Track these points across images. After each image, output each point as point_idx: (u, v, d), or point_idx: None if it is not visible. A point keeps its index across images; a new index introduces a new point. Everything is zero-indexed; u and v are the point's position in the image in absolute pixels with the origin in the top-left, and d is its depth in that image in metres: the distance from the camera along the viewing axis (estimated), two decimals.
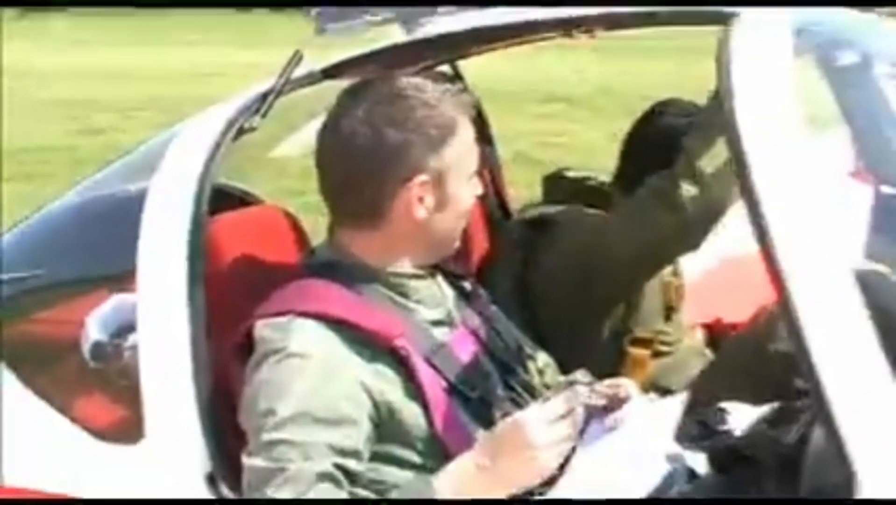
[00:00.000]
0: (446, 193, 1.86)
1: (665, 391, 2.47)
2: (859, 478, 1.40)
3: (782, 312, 1.45)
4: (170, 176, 2.01)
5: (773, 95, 1.60)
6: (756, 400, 2.02)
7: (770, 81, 1.61)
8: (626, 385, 1.86)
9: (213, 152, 1.98)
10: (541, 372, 2.10)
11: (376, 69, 2.23)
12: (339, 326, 1.77)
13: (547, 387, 2.08)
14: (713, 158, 2.28)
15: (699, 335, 2.75)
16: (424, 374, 1.80)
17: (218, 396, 1.90)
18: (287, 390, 1.71)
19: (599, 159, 4.14)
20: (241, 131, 2.04)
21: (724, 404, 1.91)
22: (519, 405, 1.91)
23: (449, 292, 2.01)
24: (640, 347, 2.55)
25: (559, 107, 12.30)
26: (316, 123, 1.98)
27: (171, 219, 1.95)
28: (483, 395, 1.88)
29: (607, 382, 1.87)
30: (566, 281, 2.47)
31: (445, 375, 1.84)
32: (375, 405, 1.75)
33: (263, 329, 1.79)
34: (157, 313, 1.95)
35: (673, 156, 2.34)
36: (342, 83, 2.27)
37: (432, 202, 1.85)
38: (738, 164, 1.54)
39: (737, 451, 1.68)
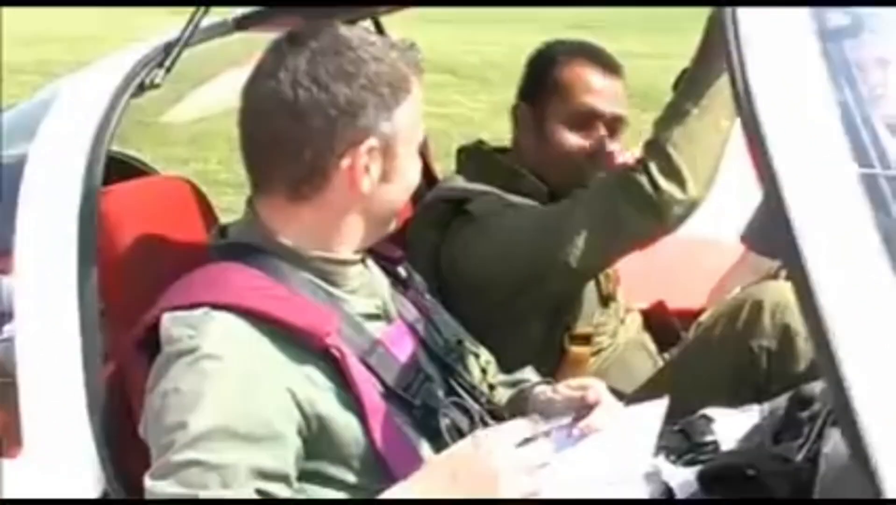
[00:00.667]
0: (393, 163, 1.61)
1: (610, 390, 2.27)
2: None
3: (801, 300, 1.20)
4: (56, 138, 1.69)
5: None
6: (738, 403, 1.83)
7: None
8: (594, 387, 1.63)
9: (108, 111, 1.67)
10: (484, 371, 1.87)
11: (295, 20, 1.96)
12: (262, 321, 1.50)
13: (491, 388, 1.84)
14: (695, 152, 2.07)
15: (637, 323, 2.52)
16: (360, 378, 1.54)
17: (114, 401, 1.64)
18: (200, 400, 1.43)
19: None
20: (141, 87, 1.74)
21: (707, 411, 1.69)
22: (465, 411, 1.68)
23: (382, 280, 1.76)
24: (579, 343, 2.32)
25: (446, 77, 12.08)
26: (217, 83, 1.70)
27: (57, 189, 1.64)
28: (426, 400, 1.63)
29: (570, 382, 1.64)
30: (492, 273, 2.19)
31: (383, 378, 1.59)
32: (305, 416, 1.49)
33: (171, 324, 1.50)
34: (39, 299, 1.66)
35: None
36: (255, 36, 2.00)
37: (378, 172, 1.59)
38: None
39: (736, 468, 1.46)
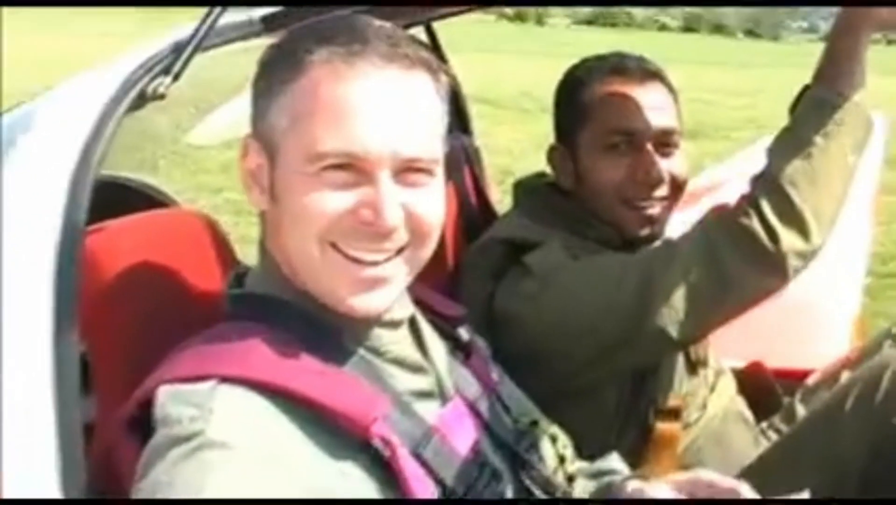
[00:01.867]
0: (276, 173, 1.26)
1: None
2: None
3: None
4: (33, 158, 1.34)
5: None
6: (875, 492, 1.46)
7: None
8: (707, 481, 1.25)
9: (99, 125, 1.32)
10: (562, 459, 1.51)
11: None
12: (287, 401, 1.16)
13: (570, 479, 1.49)
14: (819, 193, 1.72)
15: (731, 388, 2.12)
16: (412, 476, 1.20)
17: (98, 490, 1.26)
18: (198, 502, 1.08)
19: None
20: (143, 98, 1.39)
21: None
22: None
23: (437, 345, 1.41)
24: (667, 419, 1.92)
25: (483, 108, 11.83)
26: (246, 97, 1.37)
27: (32, 221, 1.29)
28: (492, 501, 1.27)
29: (675, 478, 1.27)
30: (560, 339, 1.83)
31: (440, 476, 1.24)
32: None
33: (169, 401, 1.16)
34: (6, 359, 1.30)
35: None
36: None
37: (266, 185, 1.27)
38: None
39: None
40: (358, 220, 1.22)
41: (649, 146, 1.95)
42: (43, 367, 1.26)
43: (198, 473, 1.09)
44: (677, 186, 1.97)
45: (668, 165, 1.96)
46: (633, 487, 1.41)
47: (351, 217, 1.22)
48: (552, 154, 2.06)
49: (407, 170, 1.24)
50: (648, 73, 2.01)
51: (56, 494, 1.25)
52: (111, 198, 1.64)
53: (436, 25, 2.30)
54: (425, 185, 1.26)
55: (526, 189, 2.09)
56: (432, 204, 1.27)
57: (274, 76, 1.24)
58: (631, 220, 1.96)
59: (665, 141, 1.97)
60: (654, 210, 1.96)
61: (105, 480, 1.26)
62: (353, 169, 1.21)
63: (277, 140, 1.23)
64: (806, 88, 1.79)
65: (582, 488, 1.53)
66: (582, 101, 2.01)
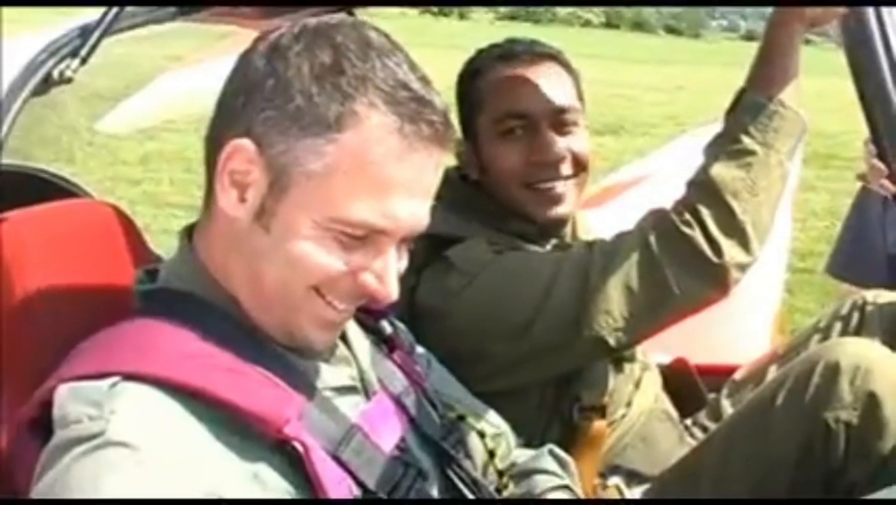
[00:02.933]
0: (277, 206, 1.17)
1: (629, 473, 1.88)
2: None
3: None
4: None
5: None
6: (804, 491, 1.44)
7: None
8: None
9: (2, 110, 1.26)
10: (491, 453, 1.47)
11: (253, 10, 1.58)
12: (195, 400, 1.11)
13: (500, 474, 1.45)
14: (760, 203, 1.71)
15: (655, 385, 2.08)
16: (329, 478, 1.15)
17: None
18: (94, 503, 1.02)
19: None
20: (48, 82, 1.33)
21: None
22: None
23: (360, 339, 1.36)
24: (592, 416, 1.87)
25: None
26: (160, 85, 1.31)
27: None
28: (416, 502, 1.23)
29: None
30: (485, 339, 1.77)
31: (360, 477, 1.19)
32: None
33: (68, 400, 1.10)
34: None
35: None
36: (203, 26, 1.62)
37: (256, 203, 1.18)
38: None
39: None
40: (357, 283, 1.19)
41: (545, 126, 1.91)
42: None
43: (95, 475, 1.04)
44: (580, 163, 1.93)
45: (567, 143, 1.92)
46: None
47: (350, 279, 1.19)
48: (457, 149, 2.00)
49: (407, 238, 1.23)
50: (539, 55, 1.98)
51: None
52: (21, 188, 1.57)
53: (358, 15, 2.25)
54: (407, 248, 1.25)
55: (446, 181, 2.02)
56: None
57: (315, 106, 1.15)
58: (536, 203, 1.92)
59: (562, 120, 1.93)
60: (559, 189, 1.92)
61: (7, 484, 1.19)
62: (367, 236, 1.18)
63: (297, 176, 1.15)
64: (742, 92, 1.77)
65: (509, 492, 1.50)
66: (475, 90, 1.97)
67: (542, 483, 1.50)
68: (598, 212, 1.96)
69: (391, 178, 1.16)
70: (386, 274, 1.19)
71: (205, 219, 1.25)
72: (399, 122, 1.15)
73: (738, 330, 3.06)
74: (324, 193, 1.15)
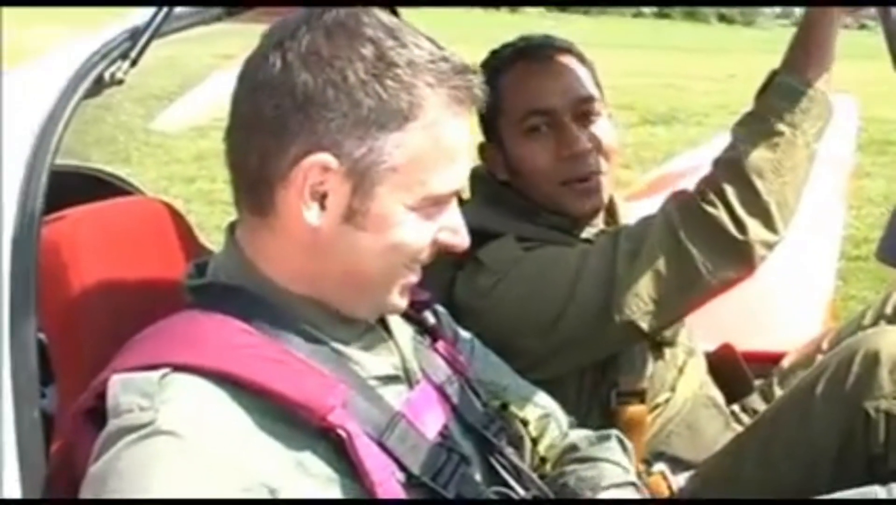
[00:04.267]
0: (369, 204, 1.21)
1: (674, 460, 1.89)
2: None
3: None
4: None
5: None
6: (846, 479, 1.45)
7: None
8: None
9: (54, 112, 1.30)
10: (535, 440, 1.49)
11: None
12: (242, 390, 1.14)
13: (543, 461, 1.47)
14: (785, 182, 1.72)
15: (700, 370, 2.09)
16: (374, 464, 1.17)
17: (61, 484, 1.24)
18: (145, 491, 1.06)
19: None
20: (100, 83, 1.37)
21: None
22: (509, 501, 1.31)
23: (403, 329, 1.39)
24: (631, 401, 1.90)
25: None
26: (211, 84, 1.34)
27: None
28: (460, 489, 1.26)
29: None
30: (521, 332, 1.80)
31: (405, 463, 1.22)
32: None
33: (120, 390, 1.14)
34: None
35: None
36: (241, 28, 1.65)
37: (339, 207, 1.21)
38: None
39: None
40: (439, 242, 1.28)
41: (567, 120, 1.92)
42: (0, 356, 1.25)
43: (144, 461, 1.08)
44: (606, 152, 1.95)
45: (592, 133, 1.94)
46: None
47: (434, 243, 1.28)
48: (482, 152, 2.03)
49: None
50: (554, 48, 1.99)
51: (15, 485, 1.24)
52: (78, 188, 1.62)
53: (408, 12, 2.27)
54: None
55: (479, 178, 2.04)
56: None
57: (386, 103, 1.19)
58: (572, 198, 1.93)
59: (583, 110, 1.94)
60: (592, 182, 1.93)
61: (65, 471, 1.24)
62: (441, 201, 1.25)
63: (383, 172, 1.20)
64: (774, 74, 1.78)
65: (569, 473, 1.50)
66: (495, 91, 1.96)
67: (609, 475, 1.50)
68: (649, 202, 1.96)
69: (458, 144, 1.25)
70: (459, 226, 1.30)
71: (259, 228, 1.26)
72: (453, 93, 1.22)
73: (790, 318, 3.04)
74: (411, 179, 1.21)
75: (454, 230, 1.28)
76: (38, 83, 1.34)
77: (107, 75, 1.36)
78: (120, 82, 1.37)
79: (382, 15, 1.24)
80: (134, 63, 1.37)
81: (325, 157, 1.18)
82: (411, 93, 1.19)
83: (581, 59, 2.01)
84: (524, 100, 1.94)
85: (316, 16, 1.22)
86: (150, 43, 1.39)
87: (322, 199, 1.21)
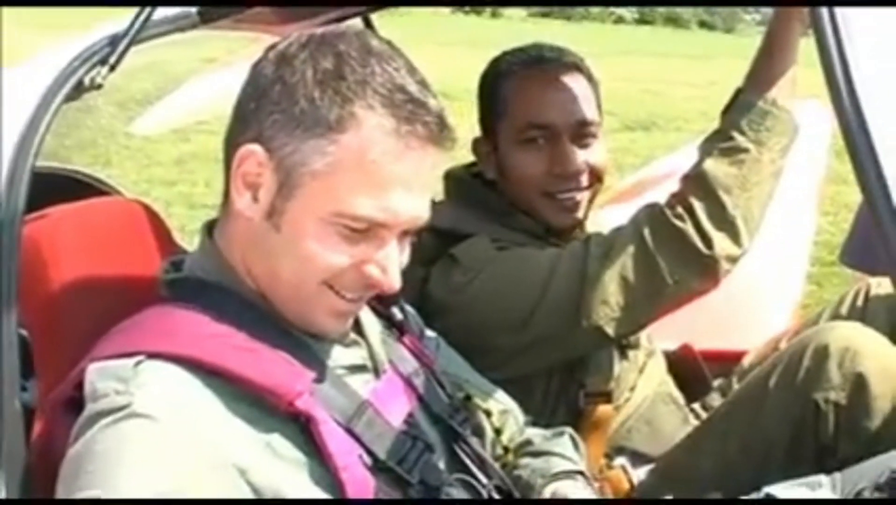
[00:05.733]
0: (286, 205, 1.26)
1: (634, 454, 1.96)
2: None
3: None
4: None
5: None
6: (797, 468, 1.51)
7: None
8: None
9: (36, 115, 1.36)
10: (498, 431, 1.55)
11: (273, 17, 1.66)
12: (213, 376, 1.20)
13: (506, 451, 1.53)
14: (750, 198, 1.78)
15: (660, 370, 2.16)
16: (340, 449, 1.24)
17: (40, 473, 1.30)
18: (119, 470, 1.13)
19: None
20: (80, 87, 1.42)
21: (770, 489, 1.37)
22: (472, 488, 1.37)
23: (371, 322, 1.45)
24: (598, 401, 1.96)
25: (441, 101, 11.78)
26: (192, 87, 1.40)
27: None
28: (424, 476, 1.32)
29: None
30: (490, 331, 1.85)
31: (371, 449, 1.28)
32: (260, 500, 1.18)
33: (97, 377, 1.20)
34: None
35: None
36: (224, 32, 1.71)
37: (267, 202, 1.27)
38: None
39: None
40: (362, 274, 1.28)
41: (565, 138, 1.98)
42: None
43: (119, 443, 1.14)
44: (596, 176, 2.01)
45: (585, 156, 1.99)
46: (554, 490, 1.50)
47: (355, 271, 1.27)
48: (476, 146, 2.09)
49: (408, 231, 1.31)
50: (566, 64, 2.03)
51: None
52: (58, 189, 1.67)
53: (393, 17, 2.32)
54: (409, 241, 1.33)
55: (455, 179, 2.11)
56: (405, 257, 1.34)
57: (318, 109, 1.23)
58: (552, 210, 2.00)
59: (582, 132, 2.00)
60: (575, 200, 2.00)
61: (44, 458, 1.29)
62: (370, 230, 1.26)
63: (302, 176, 1.24)
64: (738, 92, 1.84)
65: (523, 466, 1.58)
66: (500, 94, 2.03)
67: (560, 464, 1.58)
68: (627, 207, 2.02)
69: (390, 175, 1.24)
70: (388, 264, 1.27)
71: (223, 218, 1.34)
72: (396, 123, 1.23)
73: (758, 320, 3.10)
74: (328, 191, 1.23)
75: (383, 268, 1.28)
76: (19, 87, 1.40)
77: (87, 80, 1.42)
78: (99, 87, 1.43)
79: (374, 40, 1.29)
80: (113, 68, 1.43)
81: (256, 147, 1.25)
82: (344, 107, 1.23)
83: (589, 77, 2.05)
84: (527, 111, 1.99)
85: (316, 29, 1.30)
86: (129, 49, 1.44)
87: (256, 190, 1.27)
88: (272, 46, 1.31)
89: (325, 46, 1.26)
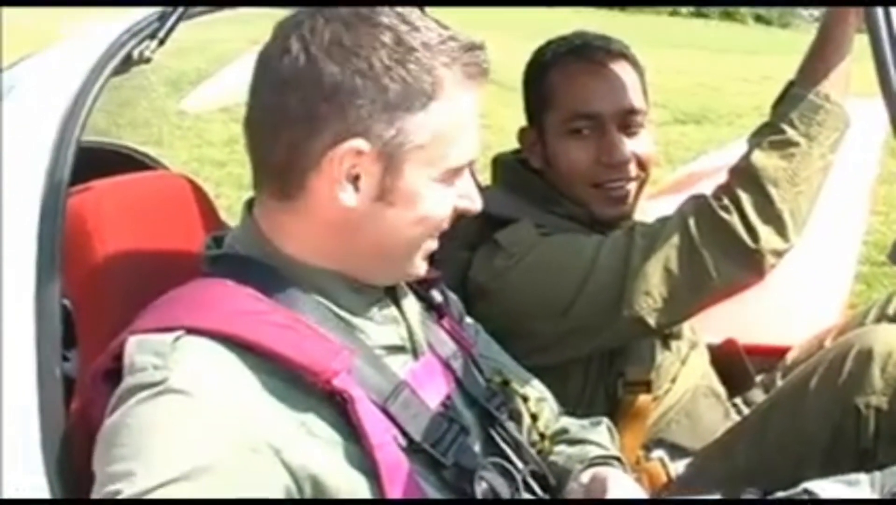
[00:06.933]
0: (398, 182, 1.28)
1: (673, 447, 1.94)
2: None
3: None
4: (19, 118, 1.38)
5: None
6: (836, 470, 1.49)
7: None
8: None
9: (84, 87, 1.37)
10: (534, 417, 1.55)
11: None
12: (251, 353, 1.20)
13: (542, 437, 1.53)
14: (799, 193, 1.75)
15: (703, 362, 2.13)
16: (376, 429, 1.23)
17: (78, 442, 1.30)
18: (155, 445, 1.12)
19: None
20: (128, 61, 1.43)
21: (808, 485, 1.36)
22: (507, 473, 1.37)
23: (411, 304, 1.44)
24: (637, 391, 1.94)
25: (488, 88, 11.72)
26: (240, 66, 1.39)
27: (16, 179, 1.33)
28: (459, 458, 1.31)
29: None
30: (532, 317, 1.85)
31: (407, 430, 1.28)
32: (295, 479, 1.18)
33: (136, 350, 1.20)
34: None
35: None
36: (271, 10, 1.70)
37: (372, 187, 1.27)
38: None
39: None
40: (455, 210, 1.35)
41: (613, 128, 1.96)
42: (25, 319, 1.31)
43: (152, 417, 1.14)
44: (643, 165, 1.99)
45: (633, 146, 1.97)
46: (585, 479, 1.47)
47: (452, 211, 1.35)
48: (522, 136, 2.08)
49: None
50: (611, 53, 2.01)
51: (36, 444, 1.30)
52: (108, 164, 1.68)
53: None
54: None
55: (503, 165, 2.11)
56: None
57: (409, 86, 1.25)
58: (600, 200, 1.98)
59: (629, 121, 1.98)
60: (622, 190, 1.98)
61: (82, 427, 1.30)
62: (460, 171, 1.33)
63: (409, 152, 1.26)
64: (790, 84, 1.81)
65: (557, 452, 1.57)
66: (546, 84, 2.01)
67: (594, 452, 1.56)
68: (676, 199, 2.00)
69: (471, 116, 1.32)
70: (473, 191, 1.36)
71: (282, 211, 1.31)
72: (464, 70, 1.29)
73: (805, 317, 3.07)
74: (435, 154, 1.28)
75: (469, 196, 1.35)
76: (69, 60, 1.41)
77: (135, 54, 1.43)
78: (147, 61, 1.44)
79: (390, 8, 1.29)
80: (162, 42, 1.44)
81: (357, 143, 1.24)
82: (431, 74, 1.26)
83: (635, 64, 2.03)
84: (573, 100, 1.98)
85: (329, 9, 1.27)
86: (178, 23, 1.45)
87: (355, 181, 1.27)
88: (292, 40, 1.26)
89: (371, 24, 1.25)
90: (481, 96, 1.33)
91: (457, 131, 1.30)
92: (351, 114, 1.24)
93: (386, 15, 1.26)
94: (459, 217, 1.37)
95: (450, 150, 1.29)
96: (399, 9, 1.28)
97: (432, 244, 1.37)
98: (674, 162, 8.49)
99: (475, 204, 1.36)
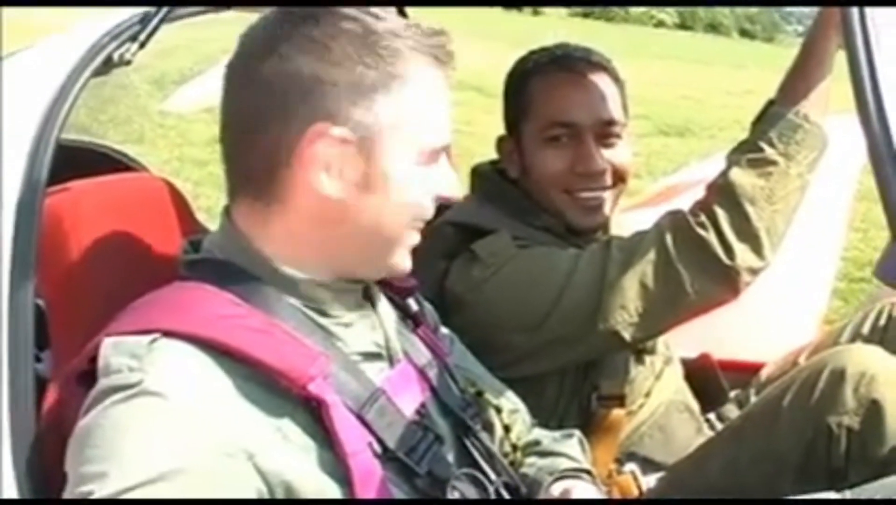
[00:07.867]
0: (377, 168, 1.28)
1: (645, 461, 1.94)
2: None
3: None
4: None
5: None
6: (807, 488, 1.49)
7: None
8: None
9: (64, 88, 1.36)
10: (507, 428, 1.55)
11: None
12: (227, 357, 1.19)
13: (514, 448, 1.53)
14: (776, 211, 1.77)
15: (677, 377, 2.14)
16: (350, 436, 1.23)
17: (50, 443, 1.30)
18: (128, 446, 1.12)
19: None
20: (109, 63, 1.43)
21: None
22: (479, 483, 1.37)
23: (388, 312, 1.44)
24: (611, 405, 1.95)
25: (471, 95, 11.73)
26: (222, 68, 1.39)
27: None
28: (433, 467, 1.31)
29: None
30: (506, 329, 1.85)
31: (381, 437, 1.27)
32: (267, 483, 1.17)
33: (111, 352, 1.19)
34: None
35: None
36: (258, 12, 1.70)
37: (353, 175, 1.28)
38: None
39: None
40: (436, 197, 1.35)
41: (590, 138, 1.97)
42: None
43: (126, 419, 1.13)
44: (620, 176, 2.00)
45: (609, 156, 1.98)
46: (556, 489, 1.48)
47: (434, 199, 1.35)
48: (500, 145, 2.09)
49: None
50: (592, 64, 2.02)
51: (6, 446, 1.29)
52: (85, 163, 1.68)
53: (427, 9, 2.31)
54: None
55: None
56: None
57: (381, 68, 1.26)
58: (574, 209, 1.99)
59: (606, 132, 1.99)
60: (597, 200, 1.99)
61: (55, 430, 1.29)
62: (436, 154, 1.34)
63: (385, 133, 1.27)
64: (770, 103, 1.82)
65: (529, 463, 1.58)
66: (525, 93, 2.02)
67: (565, 464, 1.57)
68: (656, 210, 2.02)
69: (443, 98, 1.32)
70: (452, 177, 1.37)
71: (261, 213, 1.31)
72: (432, 52, 1.30)
73: (781, 332, 3.08)
74: (411, 135, 1.29)
75: (448, 182, 1.36)
76: (49, 60, 1.40)
77: (115, 56, 1.43)
78: (128, 63, 1.43)
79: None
80: (143, 45, 1.44)
81: (336, 131, 1.25)
82: (399, 57, 1.27)
83: (615, 78, 2.04)
84: (551, 109, 1.99)
85: (290, 10, 1.29)
86: (160, 27, 1.44)
87: (333, 169, 1.27)
88: (254, 53, 1.28)
89: (335, 15, 1.27)
90: (449, 81, 1.34)
91: (429, 113, 1.31)
92: (324, 103, 1.25)
93: (349, 9, 1.28)
94: (439, 212, 1.37)
95: (424, 131, 1.30)
96: (364, 8, 1.29)
97: (415, 237, 1.37)
98: (655, 173, 8.54)
99: (455, 190, 1.37)
